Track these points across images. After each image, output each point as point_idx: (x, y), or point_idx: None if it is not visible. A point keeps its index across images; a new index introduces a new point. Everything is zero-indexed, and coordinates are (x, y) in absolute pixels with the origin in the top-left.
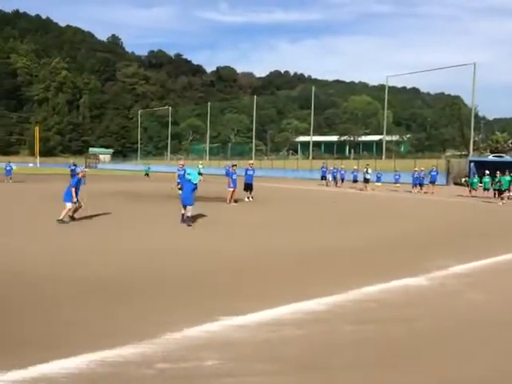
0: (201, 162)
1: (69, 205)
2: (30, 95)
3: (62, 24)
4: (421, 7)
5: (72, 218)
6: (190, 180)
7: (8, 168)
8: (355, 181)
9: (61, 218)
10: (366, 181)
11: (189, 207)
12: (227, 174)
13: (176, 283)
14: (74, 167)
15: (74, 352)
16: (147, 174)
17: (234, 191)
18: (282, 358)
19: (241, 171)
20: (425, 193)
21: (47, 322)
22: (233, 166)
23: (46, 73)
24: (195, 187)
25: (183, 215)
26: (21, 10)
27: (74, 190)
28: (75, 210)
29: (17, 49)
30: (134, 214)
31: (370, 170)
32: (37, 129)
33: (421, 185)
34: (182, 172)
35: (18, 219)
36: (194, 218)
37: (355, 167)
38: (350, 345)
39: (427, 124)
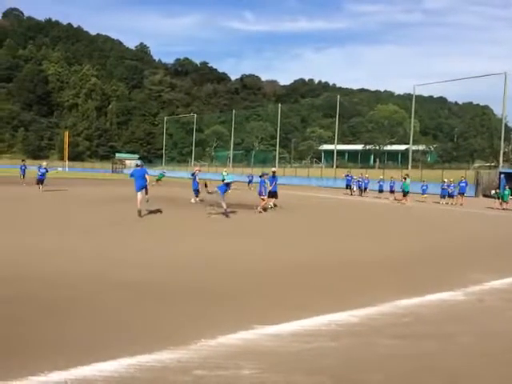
0: (225, 169)
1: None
2: (60, 101)
3: (93, 32)
4: (449, 16)
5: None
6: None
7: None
8: (381, 191)
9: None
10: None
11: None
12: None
13: (210, 290)
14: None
15: (113, 355)
16: (160, 179)
17: (263, 199)
18: (318, 369)
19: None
20: (453, 204)
21: (87, 324)
22: (264, 174)
23: (76, 79)
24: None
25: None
26: (53, 19)
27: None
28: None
29: (48, 56)
30: (170, 219)
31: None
32: (66, 134)
33: (450, 196)
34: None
35: (64, 220)
36: (228, 226)
37: (381, 177)
38: (387, 360)
39: (455, 134)
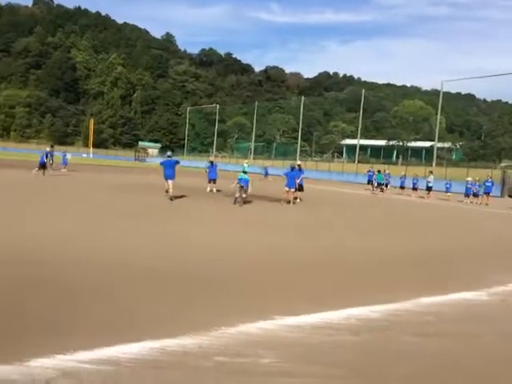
0: (246, 161)
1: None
2: (86, 89)
3: (120, 21)
4: (479, 11)
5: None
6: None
7: (64, 157)
8: (402, 187)
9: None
10: (429, 188)
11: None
12: (285, 174)
13: (232, 279)
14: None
15: (136, 338)
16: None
17: (289, 192)
18: (337, 362)
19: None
20: (478, 204)
21: (111, 307)
22: (292, 168)
23: (102, 68)
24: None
25: (236, 198)
26: (82, 7)
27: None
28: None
29: (77, 44)
30: (193, 209)
31: (431, 177)
32: (91, 121)
33: (475, 195)
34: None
35: (88, 207)
36: (250, 217)
37: (403, 173)
38: (407, 356)
39: (482, 132)
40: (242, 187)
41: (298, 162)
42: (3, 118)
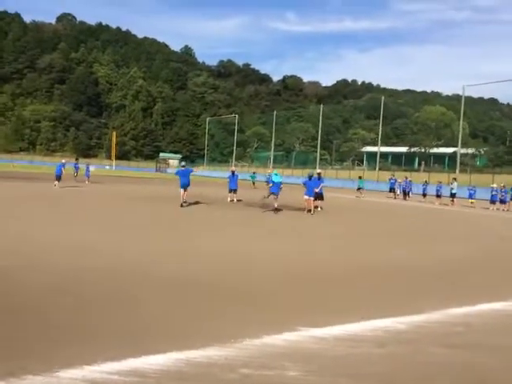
0: (269, 171)
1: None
2: (109, 102)
3: (140, 36)
4: (503, 14)
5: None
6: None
7: (88, 169)
8: (424, 194)
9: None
10: (453, 195)
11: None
12: (303, 183)
13: (254, 291)
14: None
15: (161, 349)
16: (253, 183)
17: (308, 200)
18: (364, 375)
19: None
20: (505, 211)
21: (135, 316)
22: (310, 176)
23: (124, 81)
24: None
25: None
26: (103, 23)
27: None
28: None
29: (99, 59)
30: (217, 218)
31: (455, 184)
32: (114, 134)
33: (502, 202)
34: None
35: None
36: (278, 228)
37: (425, 180)
38: (437, 369)
39: (507, 137)
40: (274, 195)
41: (318, 171)
42: (29, 133)
